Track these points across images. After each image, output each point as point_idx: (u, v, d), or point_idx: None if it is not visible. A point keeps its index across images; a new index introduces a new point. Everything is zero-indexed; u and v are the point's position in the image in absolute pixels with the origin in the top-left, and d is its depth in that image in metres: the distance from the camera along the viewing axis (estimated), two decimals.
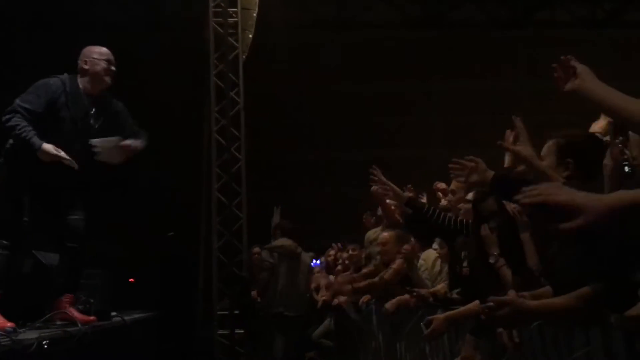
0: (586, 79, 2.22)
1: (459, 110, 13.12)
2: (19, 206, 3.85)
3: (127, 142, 4.10)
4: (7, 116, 3.80)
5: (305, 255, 7.57)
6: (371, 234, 6.24)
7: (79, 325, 3.62)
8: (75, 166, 3.89)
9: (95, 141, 3.99)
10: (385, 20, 13.37)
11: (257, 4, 10.19)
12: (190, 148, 10.68)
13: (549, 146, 2.75)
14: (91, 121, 4.06)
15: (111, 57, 4.18)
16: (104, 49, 4.20)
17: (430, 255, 5.01)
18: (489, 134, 3.24)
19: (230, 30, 9.94)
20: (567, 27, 12.91)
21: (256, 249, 8.05)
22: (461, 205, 4.02)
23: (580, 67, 2.25)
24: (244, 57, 10.03)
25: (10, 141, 3.91)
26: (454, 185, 4.23)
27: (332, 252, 8.11)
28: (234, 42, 9.96)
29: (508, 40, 13.56)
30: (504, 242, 3.15)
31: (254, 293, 7.58)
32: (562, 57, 2.28)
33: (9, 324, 3.26)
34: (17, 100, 3.85)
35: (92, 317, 4.00)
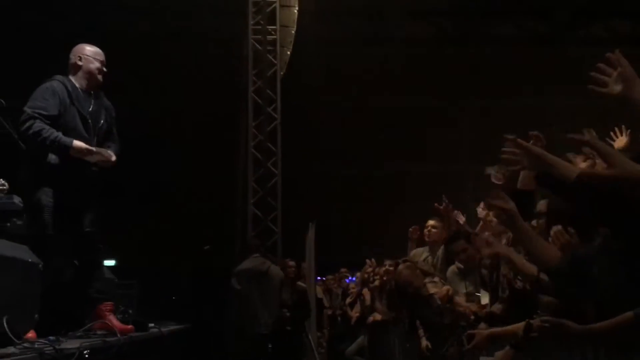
0: (633, 86, 2.07)
1: (493, 127, 13.03)
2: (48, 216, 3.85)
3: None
4: (27, 124, 3.75)
5: (274, 268, 7.51)
6: (418, 253, 6.09)
7: (118, 335, 3.68)
8: (112, 155, 3.96)
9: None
10: (420, 36, 13.39)
11: (296, 21, 10.32)
12: (227, 162, 10.81)
13: None
14: (98, 119, 4.06)
15: (104, 57, 4.15)
16: (97, 49, 4.17)
17: (452, 272, 4.94)
18: None
19: (269, 48, 10.07)
20: (606, 44, 12.72)
21: (291, 262, 8.08)
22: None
23: (628, 70, 2.08)
24: (281, 73, 10.15)
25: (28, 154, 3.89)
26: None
27: (369, 268, 8.07)
28: (272, 59, 10.08)
29: (545, 57, 13.45)
30: None
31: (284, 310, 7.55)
32: (608, 55, 2.09)
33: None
34: (28, 108, 3.79)
35: (130, 327, 4.05)
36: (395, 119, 13.74)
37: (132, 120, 6.42)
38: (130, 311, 4.47)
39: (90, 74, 4.06)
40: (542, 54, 13.37)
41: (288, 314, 7.48)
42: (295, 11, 10.34)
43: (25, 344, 2.81)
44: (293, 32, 10.39)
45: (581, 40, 13.26)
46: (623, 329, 2.13)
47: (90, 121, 4.00)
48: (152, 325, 4.55)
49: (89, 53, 4.10)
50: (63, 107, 3.89)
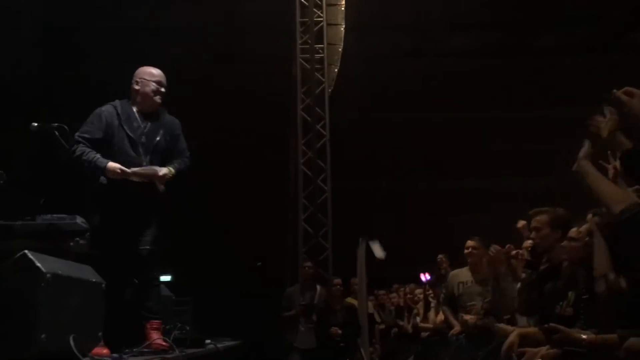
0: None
1: (540, 138, 12.81)
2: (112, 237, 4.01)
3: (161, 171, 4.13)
4: (73, 148, 4.01)
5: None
6: (458, 274, 5.86)
7: (176, 351, 3.76)
8: (158, 171, 4.06)
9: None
10: (465, 48, 13.31)
11: (343, 38, 10.44)
12: (278, 180, 10.95)
13: None
14: (153, 138, 4.19)
15: (162, 78, 4.26)
16: (156, 71, 4.28)
17: None
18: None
19: (317, 66, 10.21)
20: None
21: (337, 280, 8.10)
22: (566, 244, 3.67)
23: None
24: (329, 90, 10.27)
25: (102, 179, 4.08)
26: (535, 222, 4.04)
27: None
28: (320, 76, 10.22)
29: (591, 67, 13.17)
30: None
31: (333, 329, 7.59)
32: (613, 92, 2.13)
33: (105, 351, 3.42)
34: (77, 134, 4.05)
35: (166, 344, 3.90)
36: (445, 132, 13.65)
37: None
38: (188, 328, 4.57)
39: (145, 97, 4.19)
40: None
41: (339, 332, 7.52)
42: (342, 29, 10.47)
43: None
44: (340, 49, 10.51)
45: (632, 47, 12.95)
46: (607, 347, 2.15)
47: (144, 141, 4.15)
48: (208, 341, 4.63)
49: (147, 76, 4.23)
50: (110, 130, 4.09)
